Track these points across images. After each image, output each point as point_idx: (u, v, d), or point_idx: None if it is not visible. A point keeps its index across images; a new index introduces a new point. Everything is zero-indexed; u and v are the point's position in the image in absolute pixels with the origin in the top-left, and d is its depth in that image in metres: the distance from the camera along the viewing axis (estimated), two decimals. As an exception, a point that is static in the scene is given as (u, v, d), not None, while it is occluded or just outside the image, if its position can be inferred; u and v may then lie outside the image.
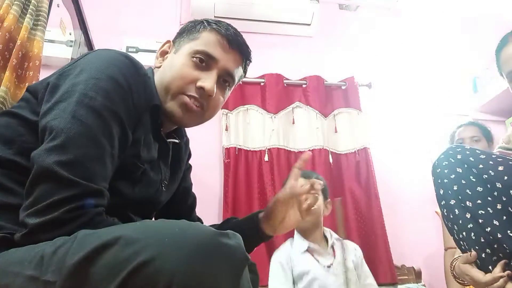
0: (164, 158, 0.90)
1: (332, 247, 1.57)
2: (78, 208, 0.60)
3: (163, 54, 0.93)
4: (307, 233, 1.59)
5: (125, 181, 0.76)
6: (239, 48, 0.89)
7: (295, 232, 1.63)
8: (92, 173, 0.63)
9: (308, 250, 1.55)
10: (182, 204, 1.06)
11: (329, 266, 1.50)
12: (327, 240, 1.60)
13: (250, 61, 0.95)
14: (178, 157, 0.99)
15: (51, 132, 0.63)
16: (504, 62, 1.12)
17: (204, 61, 0.85)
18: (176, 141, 0.95)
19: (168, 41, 0.94)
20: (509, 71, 1.11)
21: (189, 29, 0.89)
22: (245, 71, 0.96)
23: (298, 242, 1.58)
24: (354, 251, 1.63)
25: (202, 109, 0.87)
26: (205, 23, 0.88)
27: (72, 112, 0.65)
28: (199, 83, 0.84)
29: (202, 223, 1.12)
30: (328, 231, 1.65)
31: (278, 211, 0.93)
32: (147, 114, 0.80)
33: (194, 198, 1.10)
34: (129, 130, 0.73)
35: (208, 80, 0.84)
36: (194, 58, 0.85)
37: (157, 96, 0.84)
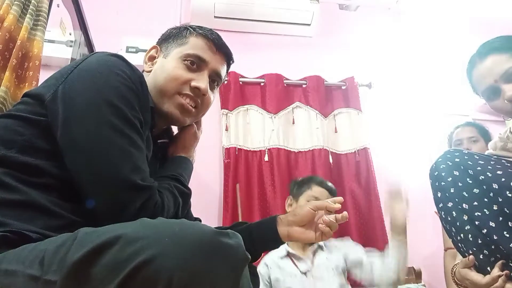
0: (154, 158, 0.92)
1: (314, 252, 1.54)
2: (152, 210, 0.70)
3: (151, 59, 0.97)
4: None
5: None
6: (224, 50, 0.97)
7: None
8: (146, 174, 0.72)
9: (289, 255, 1.54)
10: None
11: (305, 273, 1.47)
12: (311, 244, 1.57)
13: (233, 62, 1.02)
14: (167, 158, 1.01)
15: (101, 147, 0.69)
16: (477, 82, 1.16)
17: (195, 63, 0.92)
18: (165, 140, 1.00)
19: (154, 47, 0.98)
20: (483, 90, 1.14)
21: (175, 35, 0.96)
22: (227, 72, 1.04)
23: (281, 247, 1.53)
24: (343, 254, 1.56)
25: (197, 108, 0.93)
26: (191, 29, 0.95)
27: (109, 124, 0.70)
28: (193, 83, 0.90)
29: (200, 221, 1.12)
30: None
31: (303, 216, 0.93)
32: (149, 115, 0.83)
33: None
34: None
35: (201, 81, 0.91)
36: (186, 61, 0.91)
37: (150, 98, 0.87)
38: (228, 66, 1.02)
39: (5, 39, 1.09)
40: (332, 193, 1.58)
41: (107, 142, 0.69)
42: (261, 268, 1.51)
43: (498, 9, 2.70)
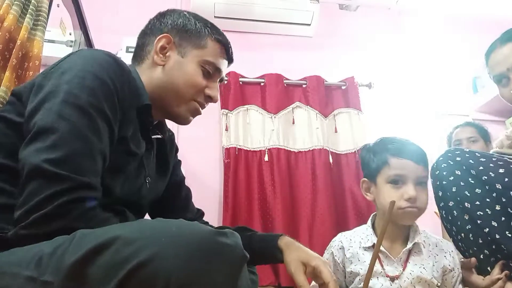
0: (148, 154, 0.90)
1: (409, 252, 1.14)
2: (70, 202, 0.60)
3: (163, 49, 0.91)
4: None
5: (112, 178, 0.75)
6: (232, 57, 0.98)
7: (370, 218, 1.24)
8: (82, 168, 0.64)
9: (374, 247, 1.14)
10: (176, 198, 1.06)
11: (393, 279, 1.10)
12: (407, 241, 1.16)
13: (233, 63, 1.01)
14: (164, 153, 1.00)
15: (39, 133, 0.64)
16: (491, 66, 1.18)
17: (211, 71, 0.92)
18: (159, 136, 0.97)
19: (166, 36, 0.91)
20: (494, 75, 1.16)
21: (192, 32, 0.92)
22: None
23: (364, 233, 1.20)
24: (443, 256, 1.13)
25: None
26: (208, 30, 0.93)
27: (58, 111, 0.65)
28: (208, 92, 0.92)
29: (203, 214, 1.12)
30: (415, 230, 1.18)
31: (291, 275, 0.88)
32: (133, 112, 0.81)
33: (188, 191, 1.10)
34: (114, 126, 0.73)
35: (215, 90, 0.93)
36: (204, 68, 0.91)
37: (145, 94, 0.85)
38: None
39: (5, 39, 1.09)
40: (420, 161, 1.13)
41: (48, 130, 0.64)
42: (335, 250, 1.20)
43: (499, 8, 2.70)
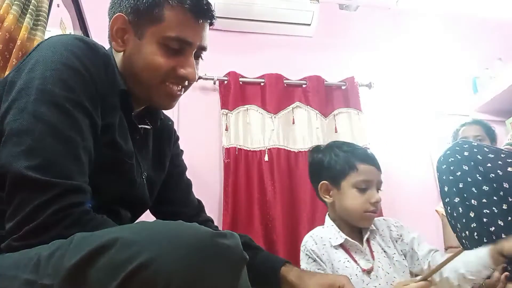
0: (140, 148, 0.86)
1: (368, 241, 1.17)
2: (62, 210, 0.58)
3: (120, 32, 0.80)
4: (344, 221, 1.19)
5: (102, 177, 0.72)
6: (205, 16, 0.82)
7: (326, 217, 1.24)
8: (67, 170, 0.60)
9: (343, 245, 1.16)
10: (172, 191, 1.03)
11: (369, 272, 1.11)
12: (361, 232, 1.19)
13: (215, 19, 0.86)
14: (159, 145, 0.95)
15: (14, 135, 0.60)
16: None
17: (177, 46, 0.78)
18: (147, 127, 0.90)
19: (120, 16, 0.79)
20: None
21: (145, 4, 0.77)
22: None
23: (331, 232, 1.19)
24: (389, 231, 1.19)
25: (184, 89, 0.85)
26: None
27: (32, 112, 0.61)
28: (180, 72, 0.79)
29: (203, 206, 1.09)
30: None
31: None
32: (116, 98, 0.76)
33: (188, 183, 1.08)
34: (97, 118, 0.69)
35: (188, 68, 0.80)
36: (167, 46, 0.77)
37: (121, 80, 0.79)
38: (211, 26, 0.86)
39: (5, 39, 1.10)
40: (380, 168, 1.19)
41: (23, 133, 0.59)
42: (314, 248, 1.17)
43: (498, 9, 2.70)
